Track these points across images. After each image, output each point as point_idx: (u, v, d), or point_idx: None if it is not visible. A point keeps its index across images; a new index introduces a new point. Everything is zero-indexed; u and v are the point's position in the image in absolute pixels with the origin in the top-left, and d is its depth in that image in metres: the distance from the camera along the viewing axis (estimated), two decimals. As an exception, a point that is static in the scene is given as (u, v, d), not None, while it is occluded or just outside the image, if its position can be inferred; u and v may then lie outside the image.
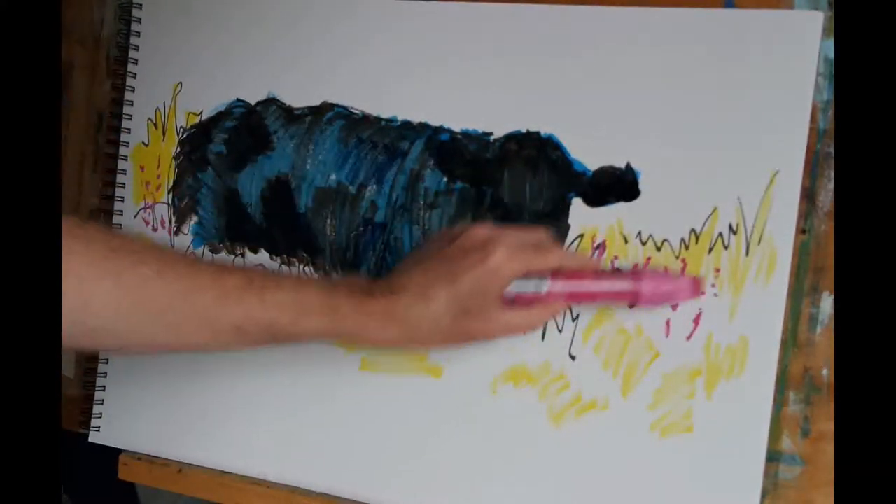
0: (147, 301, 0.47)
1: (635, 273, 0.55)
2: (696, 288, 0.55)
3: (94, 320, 0.47)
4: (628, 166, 0.58)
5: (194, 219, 0.71)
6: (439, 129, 0.63)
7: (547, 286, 0.54)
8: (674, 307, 0.57)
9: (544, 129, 0.60)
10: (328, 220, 0.66)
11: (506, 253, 0.52)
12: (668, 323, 0.57)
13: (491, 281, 0.52)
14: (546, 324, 0.59)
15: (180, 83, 0.71)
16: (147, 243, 0.50)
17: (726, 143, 0.56)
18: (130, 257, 0.47)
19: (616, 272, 0.56)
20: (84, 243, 0.46)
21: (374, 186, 0.65)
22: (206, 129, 0.70)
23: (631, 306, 0.57)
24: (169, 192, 0.72)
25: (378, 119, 0.65)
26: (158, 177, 0.72)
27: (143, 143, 0.72)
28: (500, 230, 0.54)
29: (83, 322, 0.47)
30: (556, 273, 0.54)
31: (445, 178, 0.63)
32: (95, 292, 0.46)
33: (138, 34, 0.72)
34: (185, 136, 0.71)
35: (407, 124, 0.64)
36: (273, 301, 0.50)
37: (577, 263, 0.56)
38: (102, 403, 0.72)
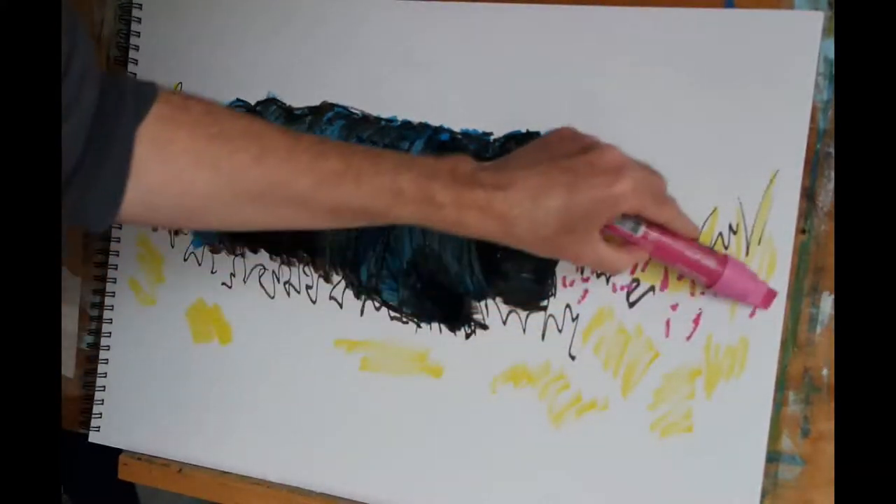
0: (245, 188, 0.49)
1: (724, 257, 0.54)
2: (769, 299, 0.54)
3: (194, 202, 0.49)
4: (628, 166, 0.58)
5: (194, 219, 0.71)
6: (439, 129, 0.63)
7: (642, 230, 0.52)
8: (673, 307, 0.57)
9: (544, 130, 0.60)
10: (328, 220, 0.66)
11: (632, 186, 0.50)
12: (667, 323, 0.57)
13: (609, 208, 0.50)
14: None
15: (180, 83, 0.71)
16: (247, 125, 0.50)
17: (726, 143, 0.56)
18: (229, 145, 0.48)
19: (708, 249, 0.55)
20: (187, 129, 0.48)
21: (374, 186, 0.65)
22: (206, 129, 0.70)
23: (707, 286, 0.55)
24: (169, 192, 0.71)
25: (378, 119, 0.65)
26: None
27: (143, 143, 0.72)
28: (632, 161, 0.52)
29: (184, 205, 0.49)
30: (655, 226, 0.53)
31: (445, 178, 0.63)
32: (195, 180, 0.48)
33: (138, 34, 0.72)
34: (185, 136, 0.71)
35: (407, 124, 0.64)
36: (369, 187, 0.49)
37: (682, 225, 0.54)
38: (102, 403, 0.73)
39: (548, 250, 0.53)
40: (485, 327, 0.62)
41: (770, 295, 0.54)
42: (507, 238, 0.51)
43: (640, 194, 0.50)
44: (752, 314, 0.55)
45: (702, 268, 0.54)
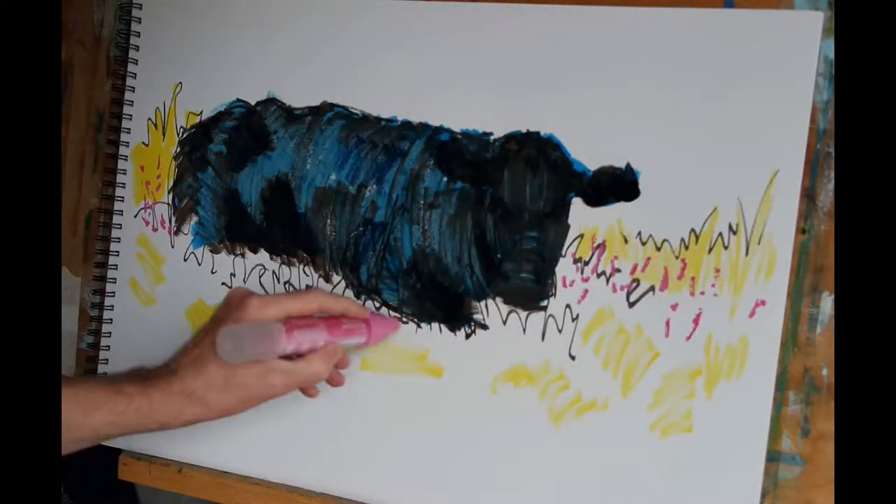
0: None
1: (365, 318, 0.61)
2: (397, 325, 0.63)
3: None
4: (628, 166, 0.58)
5: (194, 219, 0.71)
6: (439, 129, 0.63)
7: (324, 335, 0.56)
8: (673, 307, 0.57)
9: (544, 129, 0.60)
10: (328, 221, 0.66)
11: (257, 301, 0.55)
12: (667, 323, 0.57)
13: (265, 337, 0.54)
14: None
15: (180, 83, 0.71)
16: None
17: (726, 143, 0.56)
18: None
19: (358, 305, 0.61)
20: None
21: (374, 186, 0.65)
22: (206, 129, 0.70)
23: (363, 346, 0.61)
24: (169, 192, 0.72)
25: (378, 119, 0.65)
26: (158, 177, 0.72)
27: (144, 143, 0.72)
28: (248, 289, 0.58)
29: None
30: (323, 320, 0.57)
31: (445, 178, 0.63)
32: None
33: (138, 34, 0.72)
34: (185, 136, 0.71)
35: (407, 124, 0.64)
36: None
37: (335, 302, 0.59)
38: (102, 403, 0.72)
39: (238, 401, 0.55)
40: (485, 327, 0.62)
41: (396, 322, 0.63)
42: (204, 411, 0.55)
43: (272, 302, 0.56)
44: (751, 314, 0.55)
45: (359, 332, 0.60)
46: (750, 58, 0.55)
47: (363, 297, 0.65)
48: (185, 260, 0.71)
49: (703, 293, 0.56)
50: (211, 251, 0.70)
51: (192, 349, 0.57)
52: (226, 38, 0.70)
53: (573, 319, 0.60)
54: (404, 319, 0.64)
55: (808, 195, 0.55)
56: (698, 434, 0.56)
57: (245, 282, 0.69)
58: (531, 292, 0.61)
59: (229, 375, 0.54)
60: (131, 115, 0.72)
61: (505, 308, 0.61)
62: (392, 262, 0.64)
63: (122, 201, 0.72)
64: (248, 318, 0.55)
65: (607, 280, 0.59)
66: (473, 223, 0.62)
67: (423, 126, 0.64)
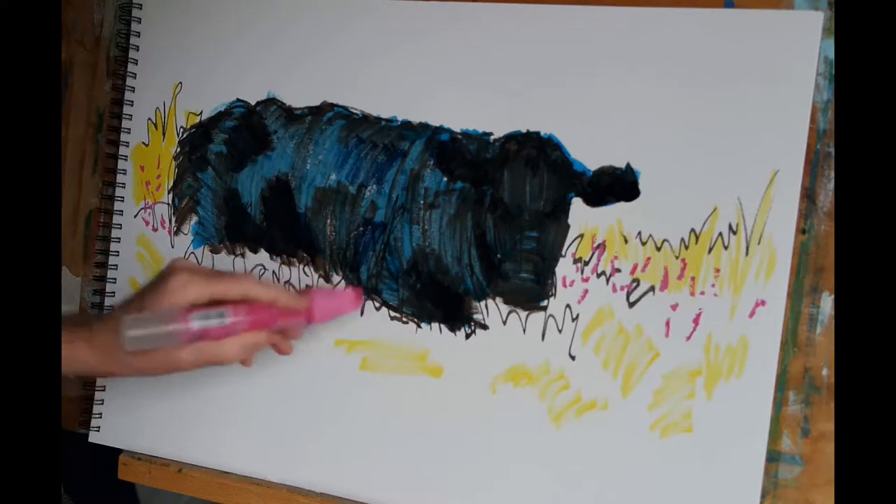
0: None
1: (305, 293, 0.59)
2: (358, 299, 0.62)
3: None
4: (628, 166, 0.58)
5: (194, 219, 0.71)
6: (439, 129, 0.63)
7: (229, 320, 0.55)
8: (673, 307, 0.57)
9: (544, 130, 0.60)
10: (328, 221, 0.66)
11: (181, 279, 0.55)
12: (667, 323, 0.57)
13: (170, 302, 0.55)
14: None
15: (180, 83, 0.71)
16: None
17: (726, 143, 0.56)
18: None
19: (290, 296, 0.59)
20: None
21: (375, 186, 0.65)
22: (206, 129, 0.70)
23: (309, 323, 0.59)
24: (169, 192, 0.72)
25: (378, 119, 0.65)
26: (158, 177, 0.72)
27: (144, 143, 0.72)
28: (190, 264, 0.59)
29: None
30: (241, 304, 0.56)
31: (445, 178, 0.63)
32: None
33: (138, 34, 0.72)
34: (185, 136, 0.71)
35: (407, 124, 0.64)
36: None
37: (262, 290, 0.57)
38: (102, 403, 0.73)
39: (149, 368, 0.57)
40: (485, 327, 0.62)
41: (357, 294, 0.62)
42: (118, 369, 0.57)
43: (197, 280, 0.56)
44: (751, 314, 0.55)
45: (293, 314, 0.58)
46: (750, 58, 0.55)
47: (363, 297, 0.65)
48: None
49: (703, 293, 0.56)
50: (211, 251, 0.70)
51: (123, 307, 0.58)
52: (226, 39, 0.70)
53: (573, 319, 0.60)
54: (404, 319, 0.64)
55: (808, 195, 0.55)
56: (698, 434, 0.56)
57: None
58: (531, 292, 0.61)
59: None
60: (131, 115, 0.72)
61: (505, 308, 0.61)
62: (392, 262, 0.64)
63: (122, 201, 0.73)
64: (164, 299, 0.55)
65: (607, 280, 0.59)
66: (473, 223, 0.62)
67: (423, 126, 0.64)
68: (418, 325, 0.64)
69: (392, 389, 0.64)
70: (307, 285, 0.63)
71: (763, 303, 0.55)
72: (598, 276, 0.59)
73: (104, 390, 0.72)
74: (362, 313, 0.65)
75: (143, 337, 0.53)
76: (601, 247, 0.59)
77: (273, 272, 0.67)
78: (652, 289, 0.58)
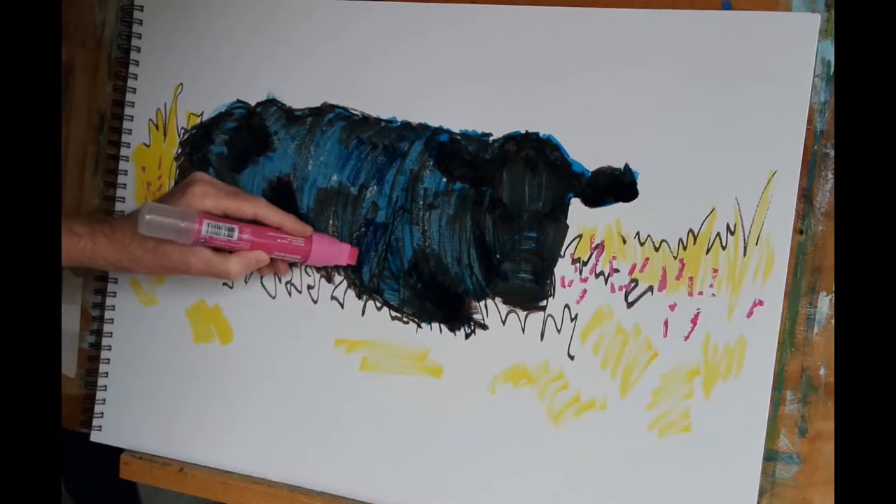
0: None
1: (310, 235, 0.63)
2: (353, 255, 0.65)
3: None
4: (627, 167, 0.58)
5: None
6: (439, 130, 0.64)
7: (237, 234, 0.60)
8: (671, 307, 0.57)
9: (543, 130, 0.61)
10: (330, 221, 0.66)
11: (203, 189, 0.60)
12: (666, 323, 0.57)
13: (189, 208, 0.59)
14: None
15: (181, 84, 0.71)
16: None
17: (724, 144, 0.56)
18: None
19: (299, 227, 0.63)
20: None
21: (375, 187, 0.65)
22: (206, 130, 0.70)
23: (304, 262, 0.63)
24: (170, 193, 0.72)
25: (378, 120, 0.65)
26: (159, 177, 0.72)
27: (145, 143, 0.72)
28: (211, 178, 0.62)
29: None
30: (249, 225, 0.61)
31: (445, 179, 0.63)
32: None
33: (139, 35, 0.72)
34: (186, 136, 0.71)
35: (406, 125, 0.64)
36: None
37: (272, 214, 0.62)
38: (104, 403, 0.73)
39: (160, 265, 0.61)
40: (484, 327, 0.62)
41: (353, 252, 0.65)
42: (134, 264, 0.61)
43: (214, 193, 0.60)
44: (749, 314, 0.56)
45: (293, 249, 0.62)
46: (748, 59, 0.56)
47: (364, 298, 0.65)
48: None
49: (701, 293, 0.57)
50: (212, 251, 0.70)
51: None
52: (226, 40, 0.70)
53: (572, 319, 0.60)
54: (405, 319, 0.64)
55: (806, 196, 0.55)
56: (696, 433, 0.57)
57: (246, 282, 0.69)
58: (530, 292, 0.61)
59: (159, 243, 0.60)
60: (132, 116, 0.72)
61: (504, 308, 0.62)
62: (393, 262, 0.65)
63: (124, 202, 0.73)
64: (183, 201, 0.60)
65: (606, 280, 0.59)
66: (473, 223, 0.62)
67: (423, 127, 0.64)
68: (418, 325, 0.64)
69: (392, 389, 0.64)
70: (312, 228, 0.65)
71: (761, 303, 0.55)
72: (597, 276, 0.59)
73: (105, 389, 0.73)
74: (363, 313, 0.65)
75: (157, 223, 0.57)
76: (600, 247, 0.59)
77: (274, 272, 0.68)
78: (650, 289, 0.58)
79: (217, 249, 0.61)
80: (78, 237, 0.60)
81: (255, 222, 0.61)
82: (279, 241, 0.62)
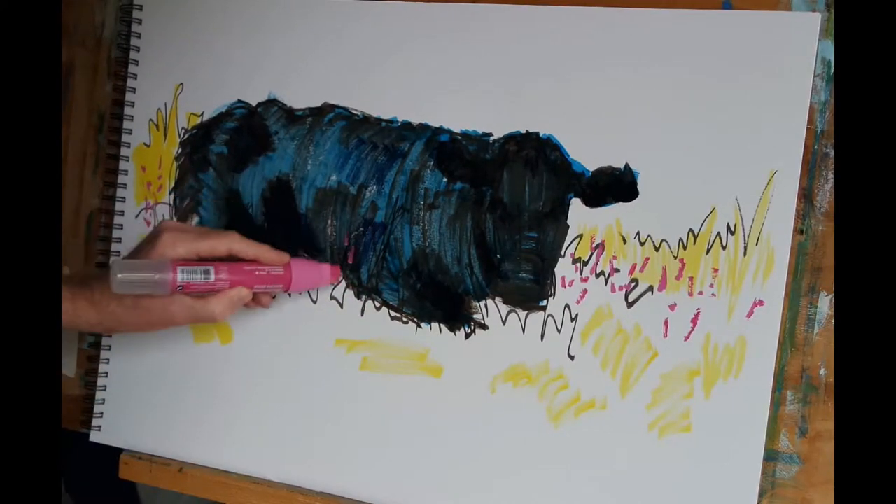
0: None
1: (287, 262, 0.62)
2: (335, 274, 0.65)
3: None
4: (627, 167, 0.58)
5: (195, 219, 0.71)
6: (439, 130, 0.64)
7: (213, 277, 0.58)
8: (671, 307, 0.57)
9: (543, 130, 0.61)
10: (329, 221, 0.66)
11: (172, 236, 0.59)
12: (666, 323, 0.57)
13: (160, 258, 0.58)
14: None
15: (181, 84, 0.71)
16: None
17: (724, 144, 0.56)
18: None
19: (276, 256, 0.62)
20: None
21: (375, 187, 0.65)
22: (207, 130, 0.70)
23: (286, 291, 0.63)
24: (170, 193, 0.72)
25: (378, 120, 0.65)
26: (160, 177, 0.72)
27: (145, 143, 0.72)
28: (178, 224, 0.63)
29: None
30: (225, 264, 0.60)
31: (445, 179, 0.63)
32: None
33: (139, 35, 0.72)
34: (186, 136, 0.71)
35: (407, 125, 0.64)
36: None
37: (246, 247, 0.61)
38: (103, 403, 0.73)
39: (144, 322, 0.60)
40: (484, 327, 0.62)
41: (335, 270, 0.65)
42: (116, 325, 0.60)
43: (183, 239, 0.59)
44: (749, 314, 0.56)
45: (273, 279, 0.61)
46: (748, 59, 0.56)
47: (364, 297, 0.65)
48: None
49: (701, 293, 0.57)
50: (212, 251, 0.70)
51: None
52: (227, 40, 0.70)
53: (572, 319, 0.60)
54: (404, 319, 0.64)
55: (806, 196, 0.55)
56: (696, 433, 0.57)
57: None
58: (530, 292, 0.61)
59: (138, 298, 0.59)
60: (132, 116, 0.72)
61: (504, 308, 0.62)
62: (392, 262, 0.65)
63: (124, 202, 0.73)
64: (153, 252, 0.59)
65: (606, 280, 0.59)
66: (473, 223, 0.62)
67: (423, 127, 0.64)
68: (418, 325, 0.64)
69: (392, 389, 0.64)
70: (288, 256, 0.64)
71: (761, 303, 0.55)
72: (597, 276, 0.59)
73: (105, 390, 0.73)
74: (363, 313, 0.65)
75: (130, 280, 0.56)
76: (600, 247, 0.59)
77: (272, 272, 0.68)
78: (650, 289, 0.58)
79: (198, 294, 0.59)
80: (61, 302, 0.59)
81: (232, 258, 0.60)
82: (257, 273, 0.61)
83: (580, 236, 0.60)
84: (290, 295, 0.67)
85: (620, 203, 0.59)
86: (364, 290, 0.65)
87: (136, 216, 0.73)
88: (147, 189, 0.72)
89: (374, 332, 0.65)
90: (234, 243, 0.61)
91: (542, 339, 0.60)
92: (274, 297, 0.66)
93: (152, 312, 0.59)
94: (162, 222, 0.62)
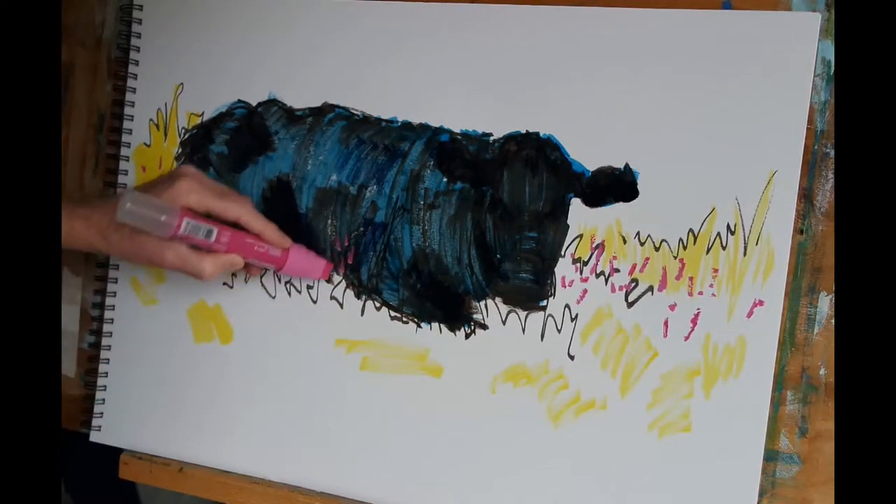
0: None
1: (288, 246, 0.63)
2: (326, 271, 0.65)
3: None
4: (627, 167, 0.58)
5: (195, 219, 0.71)
6: (439, 130, 0.64)
7: (215, 236, 0.59)
8: (671, 307, 0.57)
9: (543, 130, 0.61)
10: (329, 221, 0.66)
11: (189, 184, 0.59)
12: (666, 323, 0.57)
13: (172, 202, 0.58)
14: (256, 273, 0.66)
15: (181, 84, 0.71)
16: None
17: (724, 144, 0.56)
18: None
19: (279, 238, 0.63)
20: None
21: (375, 187, 0.65)
22: (207, 130, 0.70)
23: (278, 271, 0.63)
24: (170, 193, 0.72)
25: (378, 120, 0.65)
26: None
27: (145, 143, 0.72)
28: (197, 172, 0.62)
29: None
30: (228, 228, 0.60)
31: (445, 179, 0.63)
32: None
33: (139, 35, 0.72)
34: (186, 136, 0.71)
35: (407, 125, 0.64)
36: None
37: (254, 221, 0.61)
38: (103, 403, 0.73)
39: (134, 253, 0.61)
40: (484, 327, 0.62)
41: (328, 267, 0.65)
42: (107, 247, 0.61)
43: (201, 191, 0.59)
44: (749, 314, 0.56)
45: (269, 258, 0.62)
46: (748, 59, 0.56)
47: (364, 297, 0.65)
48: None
49: (701, 293, 0.57)
50: (212, 251, 0.70)
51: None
52: (227, 39, 0.70)
53: (572, 319, 0.60)
54: (405, 319, 0.64)
55: (806, 195, 0.55)
56: (696, 433, 0.57)
57: (246, 282, 0.69)
58: (530, 292, 0.61)
59: (136, 230, 0.59)
60: (132, 116, 0.72)
61: (504, 308, 0.62)
62: (392, 262, 0.65)
63: (124, 202, 0.73)
64: (167, 194, 0.59)
65: (606, 280, 0.59)
66: (473, 223, 0.62)
67: (423, 127, 0.64)
68: (418, 325, 0.64)
69: (392, 389, 0.64)
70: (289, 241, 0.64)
71: (761, 303, 0.55)
72: (597, 276, 0.59)
73: (105, 390, 0.73)
74: (363, 313, 0.65)
75: (135, 213, 0.56)
76: (600, 247, 0.59)
77: (274, 272, 0.68)
78: (650, 289, 0.58)
79: (193, 246, 0.60)
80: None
81: (236, 225, 0.61)
82: (256, 248, 0.61)
83: (580, 236, 0.60)
84: (286, 286, 0.67)
85: (620, 203, 0.59)
86: (364, 290, 0.65)
87: (136, 216, 0.73)
88: (147, 189, 0.72)
89: (374, 332, 0.65)
90: (245, 214, 0.61)
91: (542, 339, 0.61)
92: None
93: (146, 248, 0.60)
94: (183, 166, 0.62)
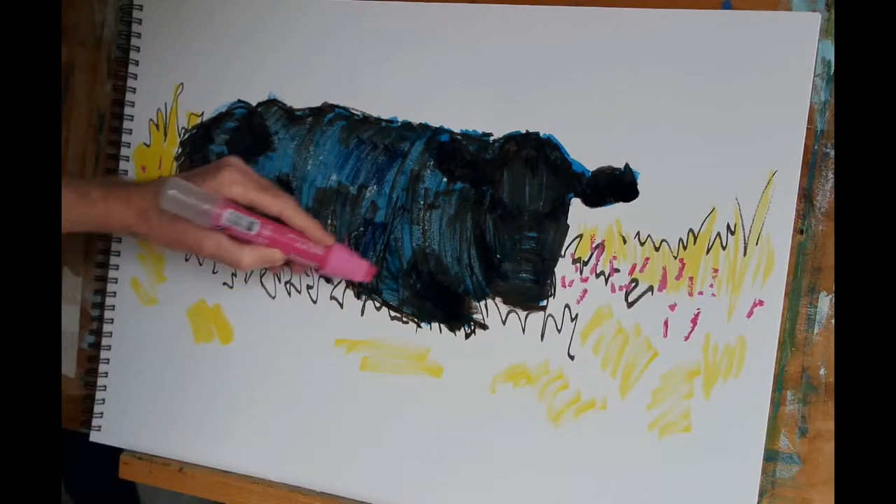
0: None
1: (331, 245, 0.62)
2: (369, 273, 0.63)
3: None
4: (627, 167, 0.58)
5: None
6: (439, 130, 0.64)
7: (256, 229, 0.59)
8: (671, 307, 0.57)
9: (543, 130, 0.61)
10: (329, 221, 0.66)
11: (232, 176, 0.59)
12: (666, 323, 0.57)
13: (216, 192, 0.58)
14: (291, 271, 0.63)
15: (181, 84, 0.71)
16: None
17: (724, 144, 0.56)
18: None
19: (322, 236, 0.62)
20: None
21: (375, 187, 0.65)
22: (207, 130, 0.70)
23: (318, 270, 0.63)
24: (170, 193, 0.72)
25: (378, 120, 0.65)
26: (160, 177, 0.72)
27: (145, 143, 0.72)
28: (241, 163, 0.62)
29: None
30: (271, 222, 0.60)
31: (445, 179, 0.63)
32: None
33: (139, 35, 0.72)
34: (186, 136, 0.71)
35: (407, 125, 0.64)
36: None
37: (297, 217, 0.61)
38: (103, 403, 0.73)
39: (174, 239, 0.60)
40: (484, 327, 0.62)
41: (370, 269, 0.63)
42: (147, 232, 0.61)
43: (246, 184, 0.59)
44: (749, 314, 0.56)
45: (310, 255, 0.61)
46: (748, 59, 0.56)
47: (364, 297, 0.65)
48: (187, 260, 0.71)
49: (701, 293, 0.57)
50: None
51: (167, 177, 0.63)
52: (227, 39, 0.70)
53: (572, 319, 0.60)
54: (405, 319, 0.64)
55: (806, 196, 0.55)
56: (696, 433, 0.57)
57: (246, 282, 0.69)
58: (530, 292, 0.61)
59: (177, 216, 0.58)
60: (132, 116, 0.72)
61: (504, 308, 0.62)
62: (392, 262, 0.65)
63: (124, 202, 0.73)
64: (210, 184, 0.59)
65: (606, 280, 0.59)
66: (473, 223, 0.62)
67: (423, 127, 0.64)
68: (418, 325, 0.64)
69: (392, 389, 0.64)
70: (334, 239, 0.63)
71: (761, 303, 0.55)
72: (597, 276, 0.59)
73: (105, 390, 0.73)
74: (363, 313, 0.65)
75: (178, 200, 0.57)
76: (600, 247, 0.59)
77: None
78: (650, 289, 0.58)
79: (232, 236, 0.60)
80: (93, 202, 0.60)
81: (278, 220, 0.60)
82: (298, 244, 0.61)
83: (580, 236, 0.60)
84: (286, 286, 0.67)
85: (620, 203, 0.59)
86: (364, 289, 0.65)
87: (136, 216, 0.73)
88: (147, 189, 0.72)
89: (374, 332, 0.65)
90: (287, 209, 0.60)
91: (542, 339, 0.61)
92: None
93: (186, 234, 0.59)
94: (230, 157, 0.62)
